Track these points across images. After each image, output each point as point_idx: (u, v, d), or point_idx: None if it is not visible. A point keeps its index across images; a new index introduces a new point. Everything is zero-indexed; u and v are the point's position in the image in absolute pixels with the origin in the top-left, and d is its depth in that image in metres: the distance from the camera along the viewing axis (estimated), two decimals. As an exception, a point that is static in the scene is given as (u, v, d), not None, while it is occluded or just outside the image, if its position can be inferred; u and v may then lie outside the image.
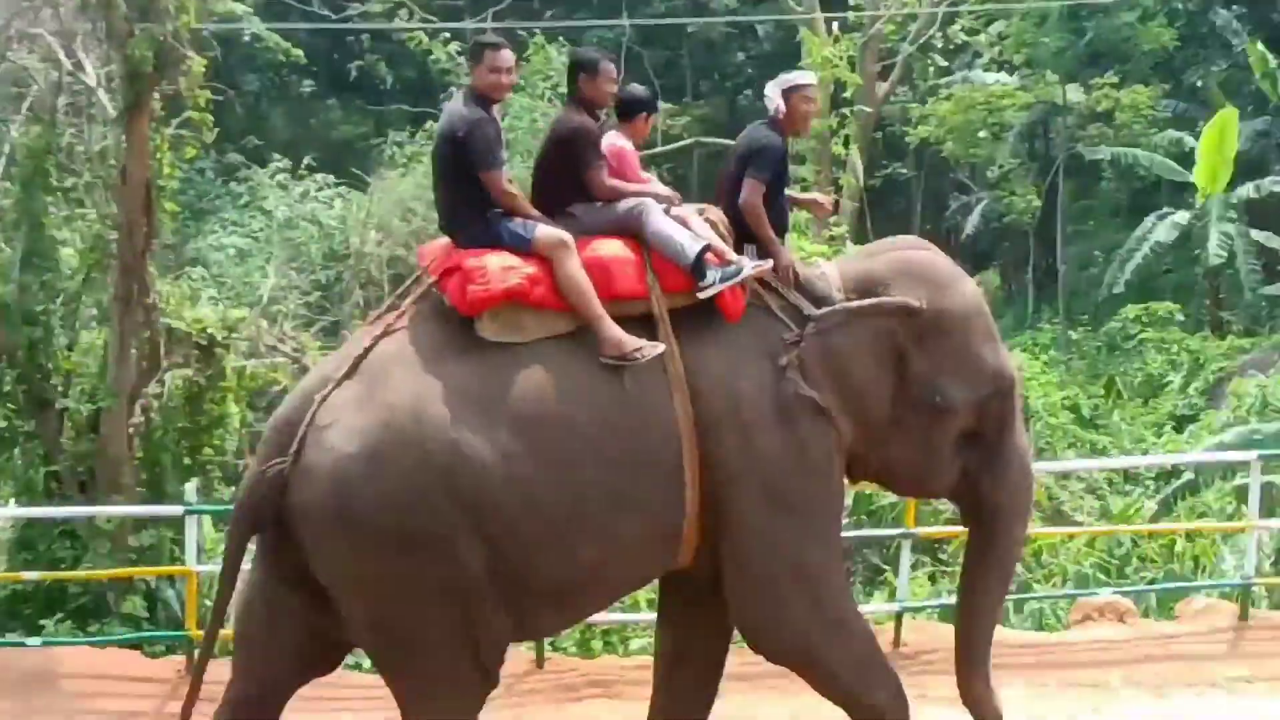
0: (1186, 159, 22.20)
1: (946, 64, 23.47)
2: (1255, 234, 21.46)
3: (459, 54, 16.14)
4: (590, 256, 4.70)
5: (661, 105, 13.23)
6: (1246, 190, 21.77)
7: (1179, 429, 16.31)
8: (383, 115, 24.04)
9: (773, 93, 5.24)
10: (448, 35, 17.15)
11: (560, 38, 16.84)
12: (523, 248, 4.67)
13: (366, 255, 13.95)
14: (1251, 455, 8.65)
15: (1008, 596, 6.32)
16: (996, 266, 28.09)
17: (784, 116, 5.22)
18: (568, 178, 4.90)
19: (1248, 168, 22.52)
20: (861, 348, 4.93)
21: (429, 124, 14.35)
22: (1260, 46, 22.86)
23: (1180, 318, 20.62)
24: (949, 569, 9.53)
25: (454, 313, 4.66)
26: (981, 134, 24.55)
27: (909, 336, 4.99)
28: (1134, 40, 23.77)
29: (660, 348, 4.62)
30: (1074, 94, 24.22)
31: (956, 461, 5.18)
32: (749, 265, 4.81)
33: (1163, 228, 21.81)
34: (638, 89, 5.32)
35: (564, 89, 5.88)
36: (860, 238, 15.82)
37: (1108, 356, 20.53)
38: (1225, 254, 20.70)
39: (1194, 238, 21.46)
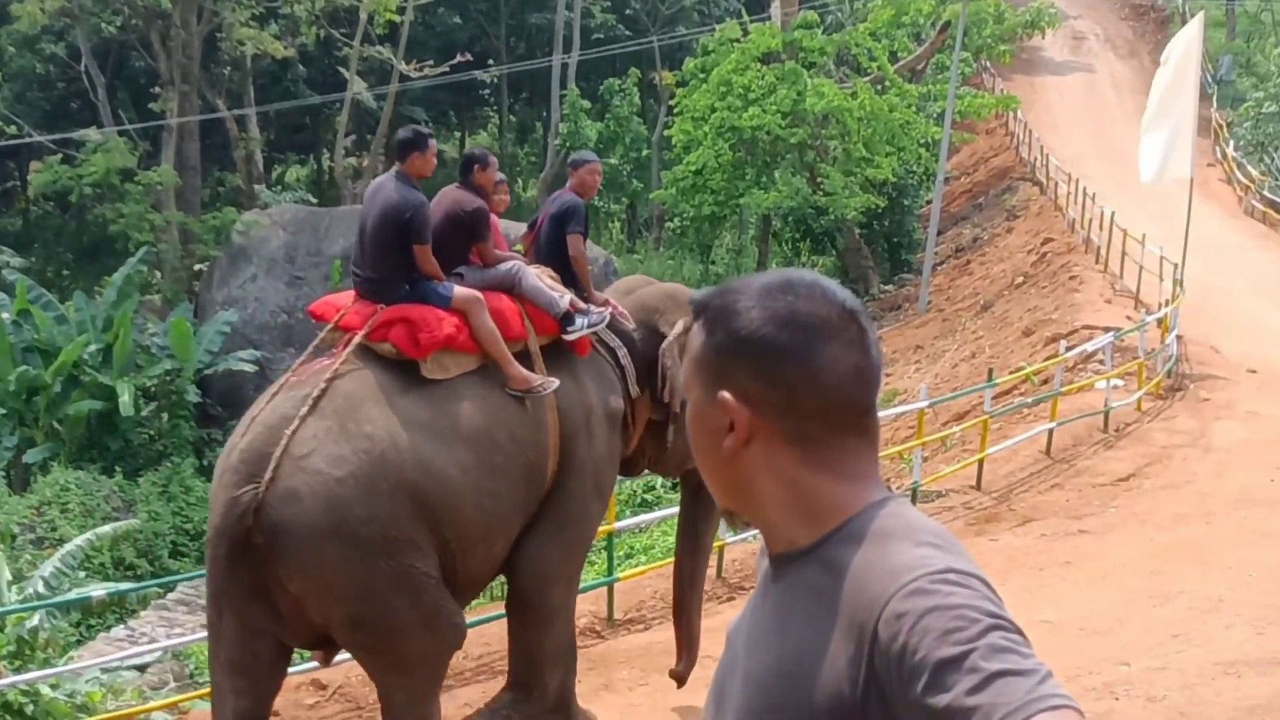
0: None
1: None
2: None
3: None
4: (490, 307, 5.88)
5: None
6: None
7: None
8: None
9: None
10: None
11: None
12: (443, 305, 5.79)
13: None
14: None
15: None
16: None
17: (580, 186, 6.58)
18: (459, 246, 6.11)
19: None
20: (677, 366, 6.21)
21: None
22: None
23: None
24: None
25: (390, 356, 5.63)
26: None
27: (680, 350, 6.18)
28: None
29: (555, 382, 5.90)
30: None
31: None
32: (603, 313, 6.28)
33: None
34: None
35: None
36: None
37: None
38: None
39: None
